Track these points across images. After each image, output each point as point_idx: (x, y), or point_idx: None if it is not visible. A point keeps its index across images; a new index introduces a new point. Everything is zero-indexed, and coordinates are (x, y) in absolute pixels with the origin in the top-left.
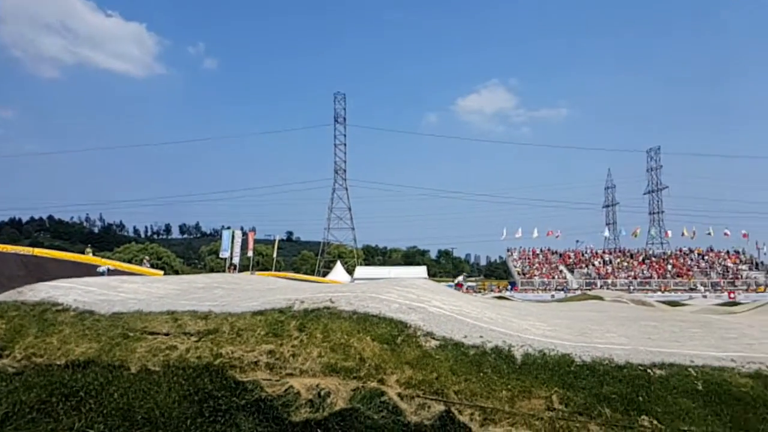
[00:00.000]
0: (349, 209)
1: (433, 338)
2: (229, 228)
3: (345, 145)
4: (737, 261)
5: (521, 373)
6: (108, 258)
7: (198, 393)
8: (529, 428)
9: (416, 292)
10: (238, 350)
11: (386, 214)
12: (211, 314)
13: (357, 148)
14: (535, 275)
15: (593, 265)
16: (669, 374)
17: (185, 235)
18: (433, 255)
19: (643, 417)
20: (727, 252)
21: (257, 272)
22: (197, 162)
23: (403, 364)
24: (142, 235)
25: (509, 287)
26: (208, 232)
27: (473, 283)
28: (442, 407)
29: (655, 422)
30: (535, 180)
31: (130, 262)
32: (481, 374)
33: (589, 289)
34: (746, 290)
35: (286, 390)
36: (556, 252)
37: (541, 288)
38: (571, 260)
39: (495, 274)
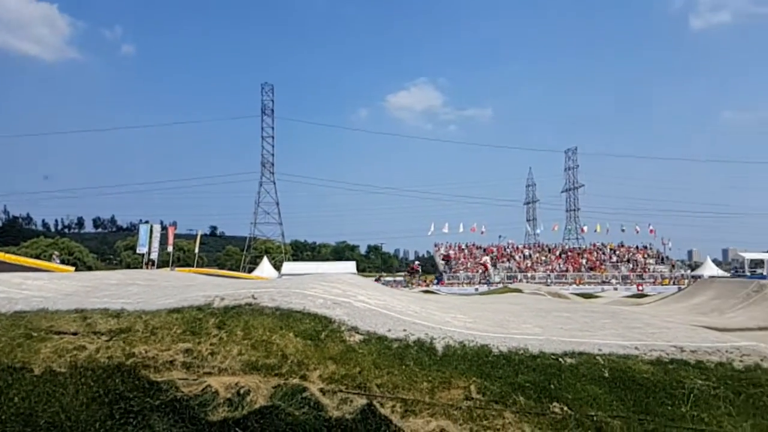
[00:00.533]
0: (277, 203)
1: (358, 333)
2: (147, 222)
3: (273, 137)
4: (645, 255)
5: (442, 364)
6: (14, 253)
7: (108, 394)
8: (448, 418)
9: (342, 287)
10: (152, 349)
11: (315, 209)
12: (123, 312)
13: (285, 141)
14: (460, 269)
15: (514, 259)
16: (579, 362)
17: (99, 229)
18: (362, 250)
19: (554, 404)
20: (636, 247)
21: (177, 268)
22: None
23: (327, 360)
24: (52, 229)
25: (436, 281)
26: (125, 226)
27: (401, 278)
28: (364, 401)
29: (565, 408)
30: (461, 177)
31: (38, 257)
32: (404, 367)
33: (510, 283)
34: (653, 283)
35: (203, 389)
36: (480, 247)
37: (465, 282)
38: (494, 254)
39: (423, 268)
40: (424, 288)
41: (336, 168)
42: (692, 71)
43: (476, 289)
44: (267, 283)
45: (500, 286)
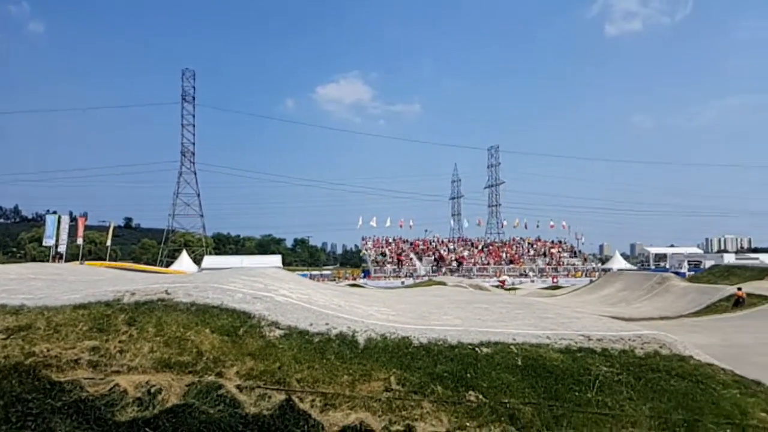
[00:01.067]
0: (198, 195)
1: (278, 327)
2: (55, 212)
3: (194, 126)
4: (560, 249)
5: (363, 357)
6: None
7: (4, 396)
8: (368, 410)
9: (264, 281)
10: (55, 348)
11: (239, 200)
12: (23, 308)
13: (208, 129)
14: (387, 263)
15: (439, 252)
16: (494, 352)
17: (2, 220)
18: (289, 243)
19: (470, 392)
20: (552, 241)
21: (87, 262)
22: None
23: (245, 356)
24: None
25: (363, 275)
26: (30, 216)
27: (328, 272)
28: (282, 396)
29: (480, 396)
30: (389, 171)
31: None
32: (325, 361)
33: (435, 276)
34: (566, 275)
35: (110, 389)
36: (407, 241)
37: (392, 275)
38: (420, 248)
39: (351, 262)
40: (351, 281)
41: (262, 159)
42: (606, 76)
43: (402, 283)
44: (183, 277)
45: (426, 279)
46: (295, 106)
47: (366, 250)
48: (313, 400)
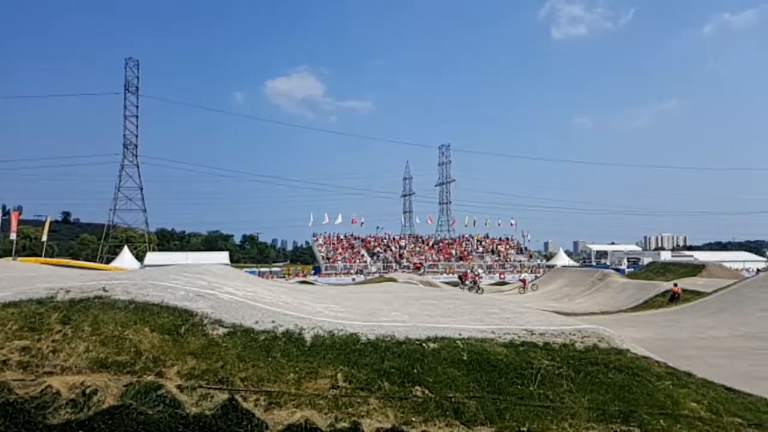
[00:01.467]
0: (141, 189)
1: (222, 326)
2: None
3: (137, 117)
4: (507, 246)
5: (310, 354)
6: None
7: None
8: (313, 408)
9: (207, 279)
10: None
11: (185, 195)
12: None
13: (152, 121)
14: (338, 260)
15: (391, 249)
16: (441, 347)
17: None
18: (237, 240)
19: (416, 387)
20: (500, 238)
21: (20, 258)
22: None
23: (186, 355)
24: None
25: (314, 272)
26: None
27: (278, 269)
28: (225, 396)
29: (426, 391)
30: (341, 168)
31: None
32: (270, 359)
33: (386, 272)
34: (513, 272)
35: (42, 390)
36: (358, 237)
37: (343, 272)
38: (371, 245)
39: (301, 259)
40: (301, 279)
41: (209, 153)
42: (552, 78)
43: (353, 279)
44: (122, 274)
45: (377, 275)
46: (244, 100)
47: (317, 246)
48: (257, 399)
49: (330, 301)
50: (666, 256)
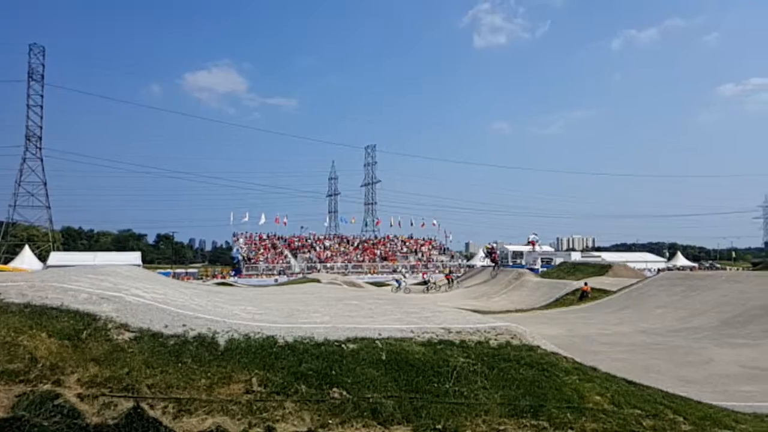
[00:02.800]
0: (45, 184)
1: (128, 330)
2: None
3: (41, 107)
4: (430, 247)
5: (223, 359)
6: None
7: None
8: (226, 414)
9: (114, 280)
10: None
11: (94, 192)
12: None
13: (58, 112)
14: (260, 260)
15: (315, 249)
16: (360, 347)
17: None
18: (151, 240)
19: (334, 389)
20: (423, 239)
21: None
22: None
23: (88, 362)
24: None
25: (233, 273)
26: None
27: (195, 270)
28: (130, 404)
29: (344, 393)
30: (264, 166)
31: None
32: (180, 364)
33: (310, 273)
34: (435, 272)
35: None
36: (281, 237)
37: (266, 273)
38: (295, 245)
39: (221, 259)
40: (220, 280)
41: (121, 147)
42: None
43: (276, 280)
44: (18, 275)
45: (300, 276)
46: (161, 93)
47: (238, 246)
48: (165, 407)
49: (247, 303)
50: (576, 256)
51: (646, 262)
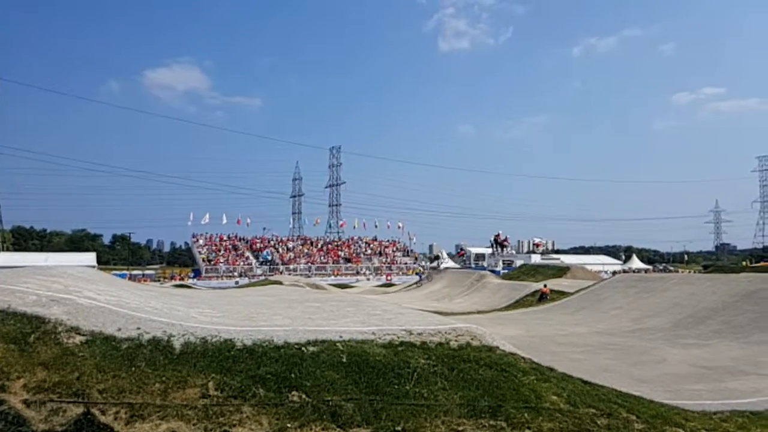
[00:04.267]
0: None
1: (79, 333)
2: None
3: None
4: (394, 249)
5: (179, 363)
6: None
7: None
8: (181, 419)
9: (65, 282)
10: None
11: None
12: None
13: (9, 108)
14: (220, 262)
15: (278, 251)
16: (320, 350)
17: None
18: (107, 240)
19: (293, 393)
20: (388, 241)
21: None
22: None
23: (35, 366)
24: None
25: (192, 275)
26: None
27: (152, 272)
28: (80, 410)
29: (303, 396)
30: (226, 166)
31: None
32: (133, 369)
33: (272, 275)
34: (399, 273)
35: None
36: (243, 238)
37: (226, 275)
38: (257, 246)
39: (179, 261)
40: (178, 282)
41: (76, 145)
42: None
43: (237, 282)
44: None
45: (262, 278)
46: (120, 89)
47: (198, 248)
48: (117, 412)
49: (205, 306)
50: (536, 259)
51: (603, 264)
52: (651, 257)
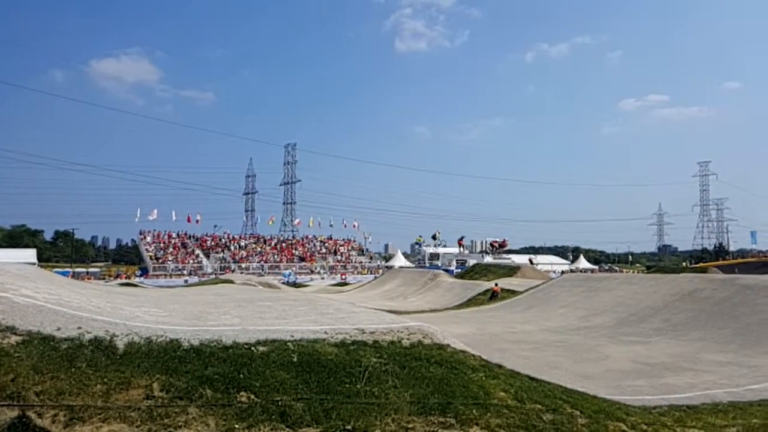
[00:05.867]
0: None
1: (15, 333)
2: None
3: None
4: (350, 248)
5: (122, 363)
6: None
7: None
8: (123, 421)
9: (1, 279)
10: None
11: None
12: None
13: None
14: (169, 260)
15: (229, 249)
16: (270, 350)
17: None
18: (48, 236)
19: (242, 393)
20: (343, 240)
21: None
22: None
23: None
24: None
25: (139, 273)
26: None
27: (97, 270)
28: (15, 413)
29: (252, 396)
30: (176, 161)
31: None
32: (74, 370)
33: (223, 273)
34: (354, 272)
35: None
36: (193, 236)
37: (175, 273)
38: (208, 244)
39: (126, 258)
40: (124, 280)
41: (14, 136)
42: (396, 87)
43: (186, 281)
44: None
45: (213, 276)
46: (64, 79)
47: (145, 245)
48: (55, 415)
49: (152, 305)
50: (488, 258)
51: (552, 264)
52: (597, 257)
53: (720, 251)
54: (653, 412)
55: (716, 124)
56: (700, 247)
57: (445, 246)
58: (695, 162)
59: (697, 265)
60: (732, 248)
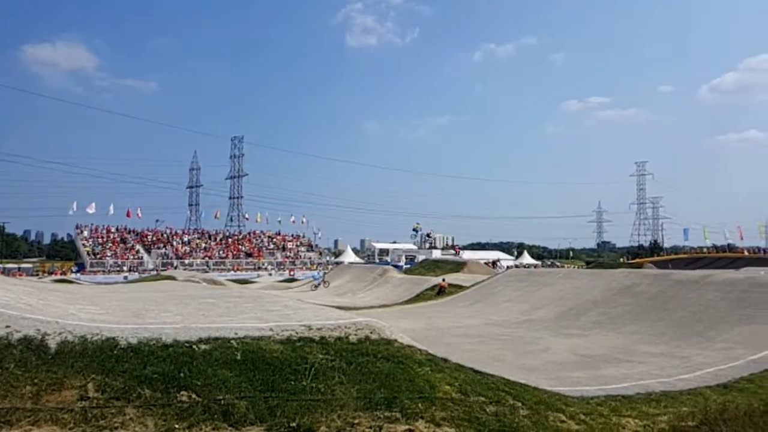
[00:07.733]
0: None
1: None
2: None
3: None
4: (298, 243)
5: (54, 363)
6: None
7: None
8: (55, 423)
9: None
10: None
11: None
12: None
13: None
14: (107, 255)
15: (172, 245)
16: (213, 348)
17: None
18: None
19: (182, 392)
20: (292, 235)
21: None
22: None
23: None
24: None
25: (76, 269)
26: None
27: (29, 265)
28: None
29: (193, 396)
30: (116, 152)
31: None
32: (1, 370)
33: (165, 270)
34: (303, 269)
35: None
36: (133, 231)
37: (114, 269)
38: (149, 240)
39: (61, 254)
40: (59, 277)
41: None
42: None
43: (125, 278)
44: None
45: (154, 273)
46: None
47: (82, 240)
48: None
49: (87, 302)
50: (437, 254)
51: (498, 259)
52: (540, 253)
53: (655, 248)
54: (591, 402)
55: (652, 126)
56: (636, 244)
57: (433, 245)
58: (633, 162)
59: (634, 261)
60: (666, 245)
